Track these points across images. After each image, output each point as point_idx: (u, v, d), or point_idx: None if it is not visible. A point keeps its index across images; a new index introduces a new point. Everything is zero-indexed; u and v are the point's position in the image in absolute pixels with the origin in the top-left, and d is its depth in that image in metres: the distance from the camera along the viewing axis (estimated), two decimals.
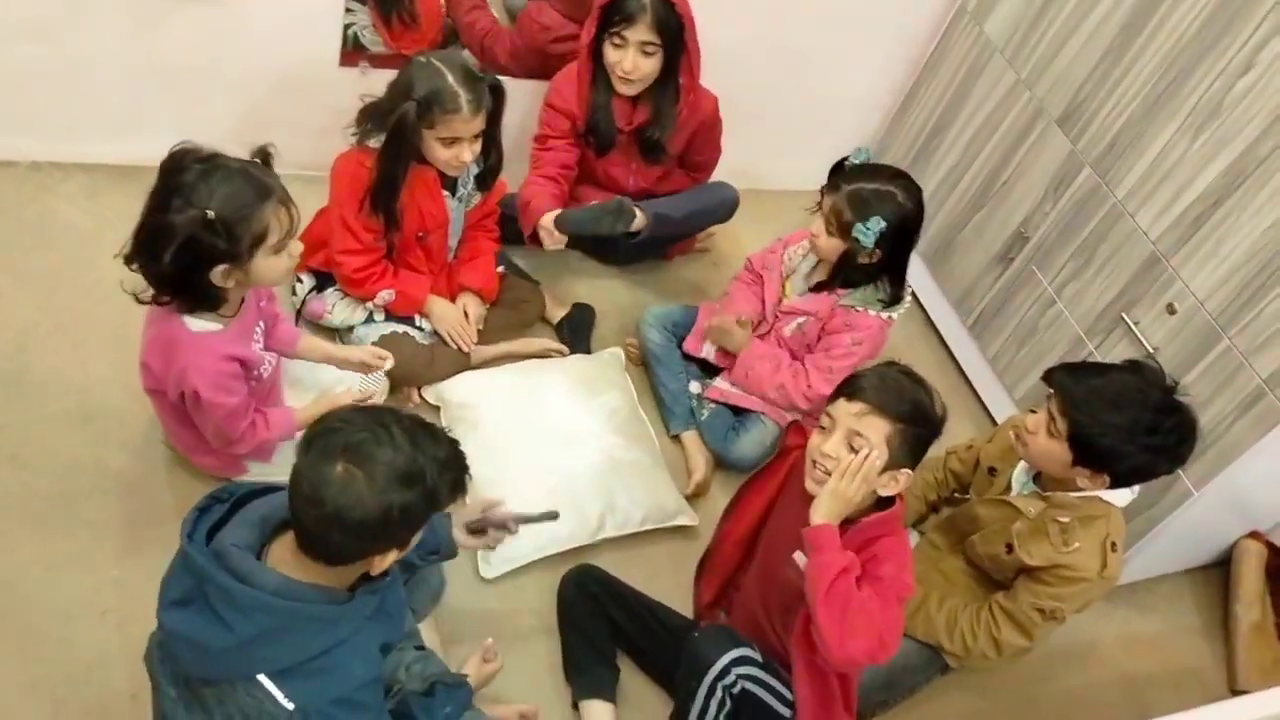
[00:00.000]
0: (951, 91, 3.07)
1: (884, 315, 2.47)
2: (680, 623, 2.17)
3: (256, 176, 1.79)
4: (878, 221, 2.29)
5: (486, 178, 2.48)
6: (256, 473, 2.16)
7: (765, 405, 2.60)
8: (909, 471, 1.82)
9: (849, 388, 1.82)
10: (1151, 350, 2.49)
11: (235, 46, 2.58)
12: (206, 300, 1.86)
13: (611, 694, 2.11)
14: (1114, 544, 2.05)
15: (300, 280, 2.52)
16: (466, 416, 2.46)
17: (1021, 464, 2.14)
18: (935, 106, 3.14)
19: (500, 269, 2.65)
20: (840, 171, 2.37)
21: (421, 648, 1.91)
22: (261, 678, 1.42)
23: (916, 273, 3.27)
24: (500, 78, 2.32)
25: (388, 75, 2.30)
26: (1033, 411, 2.13)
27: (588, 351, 2.76)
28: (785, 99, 3.21)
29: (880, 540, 1.82)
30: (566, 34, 2.72)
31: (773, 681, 1.92)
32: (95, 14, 2.42)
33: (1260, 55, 2.24)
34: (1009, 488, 2.17)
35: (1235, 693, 2.65)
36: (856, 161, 2.37)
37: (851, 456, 1.76)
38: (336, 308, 2.49)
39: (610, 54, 2.53)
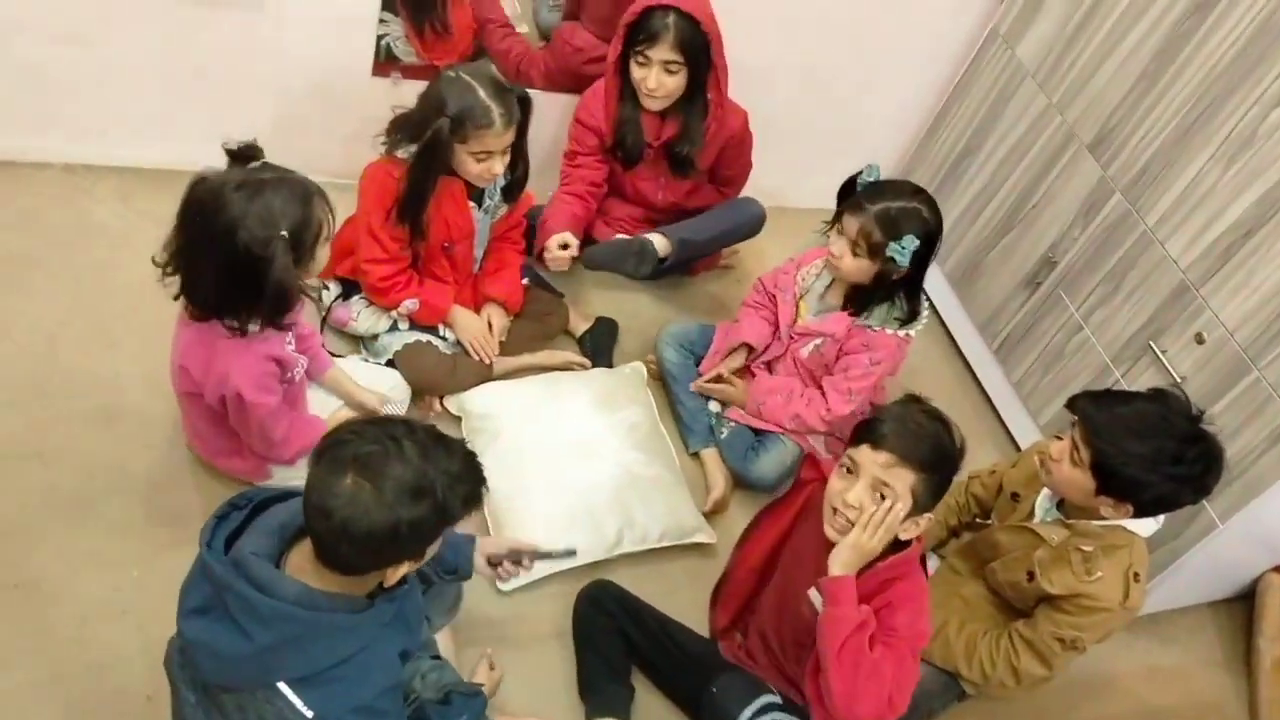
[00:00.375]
0: (982, 114, 3.06)
1: (901, 333, 2.46)
2: (697, 644, 2.15)
3: (292, 179, 1.81)
4: (912, 240, 2.28)
5: (513, 189, 2.49)
6: (280, 477, 2.17)
7: None
8: (930, 516, 1.80)
9: (872, 433, 1.78)
10: (1179, 380, 2.47)
11: (270, 53, 2.61)
12: (286, 311, 1.89)
13: (626, 713, 2.10)
14: (1136, 574, 2.02)
15: (327, 287, 2.53)
16: (487, 427, 2.46)
17: (1045, 491, 2.12)
18: (965, 129, 3.13)
19: (525, 281, 2.66)
20: (854, 191, 2.36)
21: (437, 657, 1.92)
22: (281, 685, 1.42)
23: (941, 295, 3.26)
24: (527, 90, 2.33)
25: (419, 86, 2.31)
26: (1058, 438, 2.11)
27: (609, 365, 2.76)
28: (814, 118, 3.21)
29: (896, 584, 1.80)
30: (599, 55, 2.74)
31: None
32: (132, 18, 2.45)
33: None
34: (1032, 514, 2.15)
35: None
36: (869, 180, 2.35)
37: (875, 508, 1.75)
38: (361, 315, 2.50)
39: (635, 71, 2.54)
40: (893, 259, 2.31)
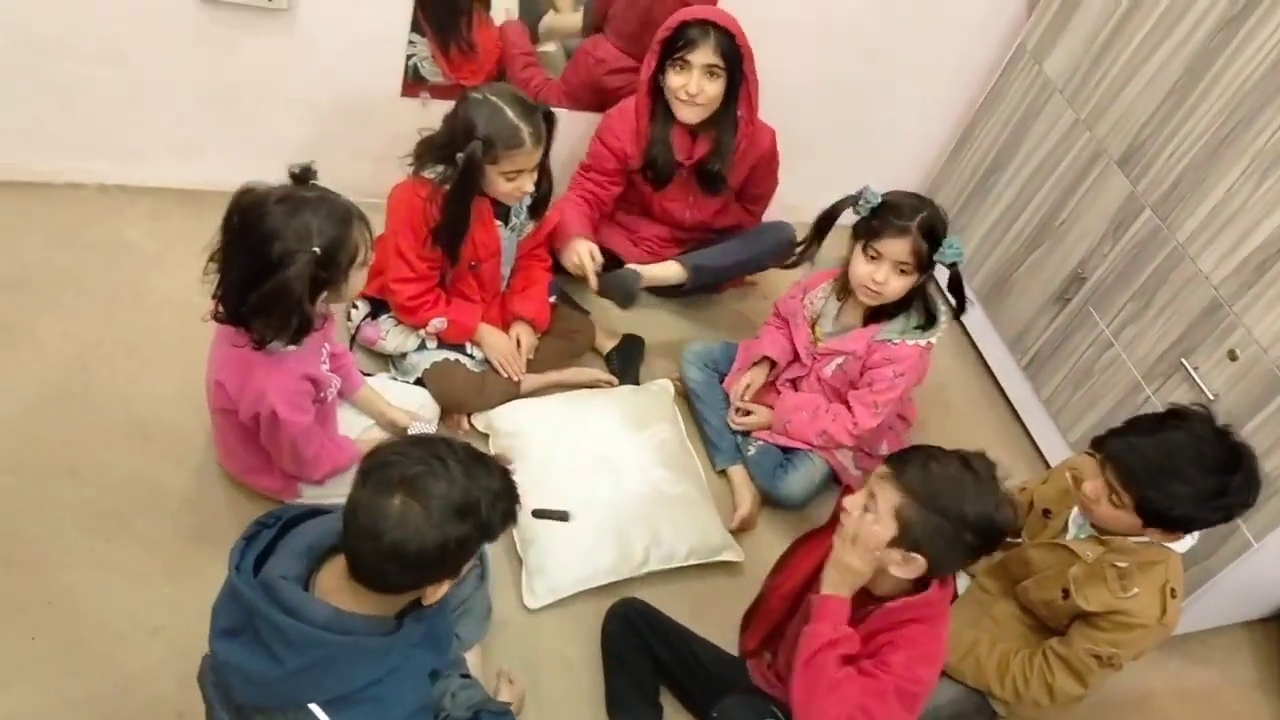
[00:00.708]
0: (1009, 130, 3.05)
1: (923, 342, 2.46)
2: (722, 665, 2.14)
3: (335, 201, 1.83)
4: (955, 236, 2.32)
5: (539, 206, 2.50)
6: (309, 495, 2.18)
7: None
8: (921, 559, 1.71)
9: (896, 455, 1.76)
10: (1211, 397, 2.44)
11: (300, 75, 2.64)
12: (305, 332, 1.89)
13: None
14: (1173, 590, 2.00)
15: (356, 306, 2.55)
16: (515, 445, 2.46)
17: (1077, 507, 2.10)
18: (992, 145, 3.12)
19: (552, 299, 2.67)
20: (873, 219, 2.34)
21: (467, 676, 1.92)
22: (312, 706, 1.43)
23: (970, 311, 3.23)
24: (550, 106, 2.35)
25: (446, 106, 2.33)
26: (1090, 454, 2.11)
27: (636, 383, 2.76)
28: (840, 135, 3.21)
29: (908, 626, 1.76)
30: (621, 67, 2.76)
31: None
32: (165, 41, 2.49)
33: None
34: (1065, 530, 2.13)
35: None
36: (873, 203, 2.34)
37: (860, 518, 1.73)
38: (390, 334, 2.52)
39: (674, 79, 2.54)
40: (954, 263, 2.34)
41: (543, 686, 2.13)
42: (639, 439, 2.53)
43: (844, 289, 2.51)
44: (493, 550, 2.24)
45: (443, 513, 1.39)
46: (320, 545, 1.50)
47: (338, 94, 2.71)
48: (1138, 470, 1.90)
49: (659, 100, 2.61)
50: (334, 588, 1.46)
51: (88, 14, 2.40)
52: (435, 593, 1.48)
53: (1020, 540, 2.25)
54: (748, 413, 2.65)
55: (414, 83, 2.72)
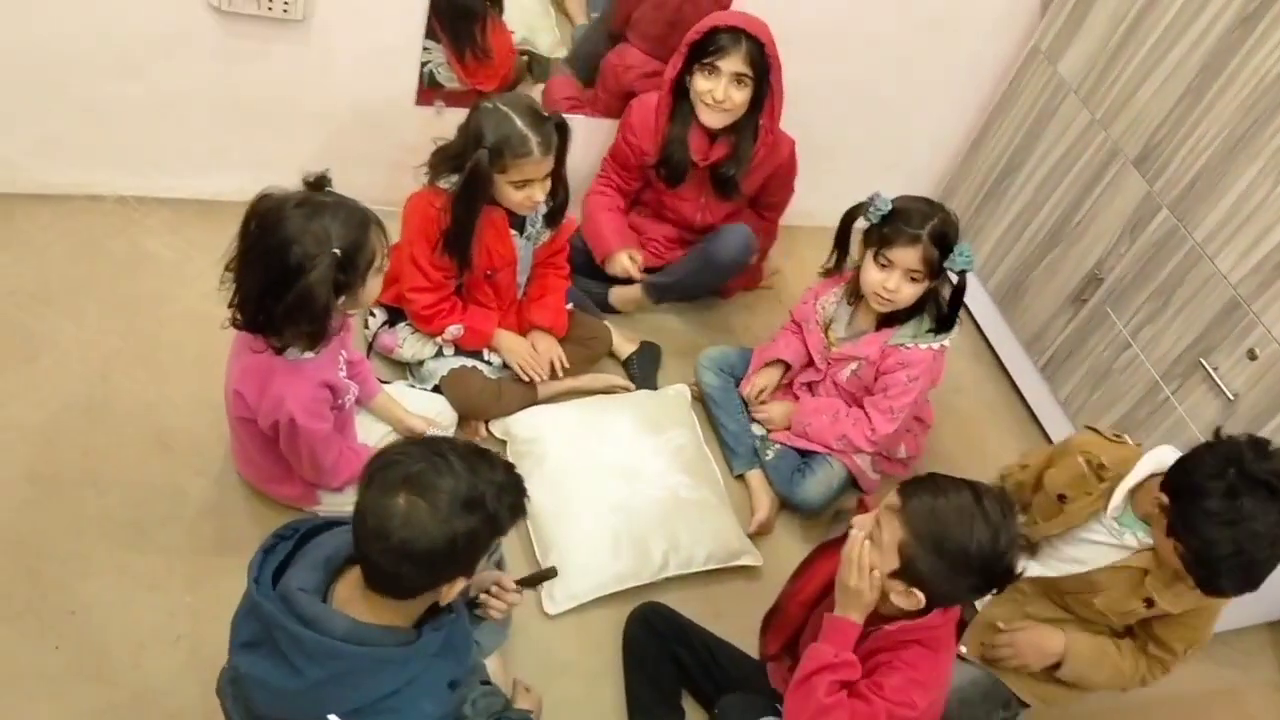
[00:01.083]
0: (1024, 131, 3.04)
1: (936, 345, 2.45)
2: (743, 669, 2.14)
3: (351, 205, 1.84)
4: (967, 244, 2.31)
5: (555, 215, 2.51)
6: (328, 503, 2.20)
7: None
8: (920, 595, 1.70)
9: (908, 484, 1.73)
10: (1231, 397, 2.43)
11: (317, 85, 2.65)
12: (324, 336, 1.90)
13: None
14: None
15: (373, 314, 2.56)
16: (532, 451, 2.47)
17: (1116, 501, 2.01)
18: (1007, 146, 3.11)
19: (570, 306, 2.67)
20: (884, 226, 2.33)
21: (488, 683, 1.92)
22: (332, 718, 1.43)
23: (986, 313, 3.24)
24: (565, 115, 2.35)
25: (461, 114, 2.34)
26: (1090, 428, 2.14)
27: (654, 388, 2.76)
28: (855, 137, 3.21)
29: (908, 648, 1.75)
30: (650, 70, 2.76)
31: None
32: (185, 52, 2.50)
33: None
34: (1091, 517, 2.07)
35: None
36: (884, 210, 2.33)
37: (865, 548, 1.71)
38: (407, 342, 2.52)
39: (701, 83, 2.54)
40: (964, 271, 2.32)
41: (563, 693, 2.13)
42: (656, 444, 2.54)
43: (855, 293, 2.51)
44: (512, 557, 2.25)
45: (449, 508, 1.39)
46: (337, 557, 1.51)
47: (352, 104, 2.72)
48: (1196, 540, 1.81)
49: (681, 100, 2.61)
50: (351, 599, 1.47)
51: (105, 29, 2.42)
52: (450, 591, 1.48)
53: (1026, 516, 2.22)
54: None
55: (430, 89, 2.73)
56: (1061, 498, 2.11)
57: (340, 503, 2.15)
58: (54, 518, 2.15)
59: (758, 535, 2.54)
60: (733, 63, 2.49)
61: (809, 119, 2.91)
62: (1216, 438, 1.87)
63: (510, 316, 2.59)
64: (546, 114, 2.28)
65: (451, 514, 1.39)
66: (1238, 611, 2.60)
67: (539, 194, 2.31)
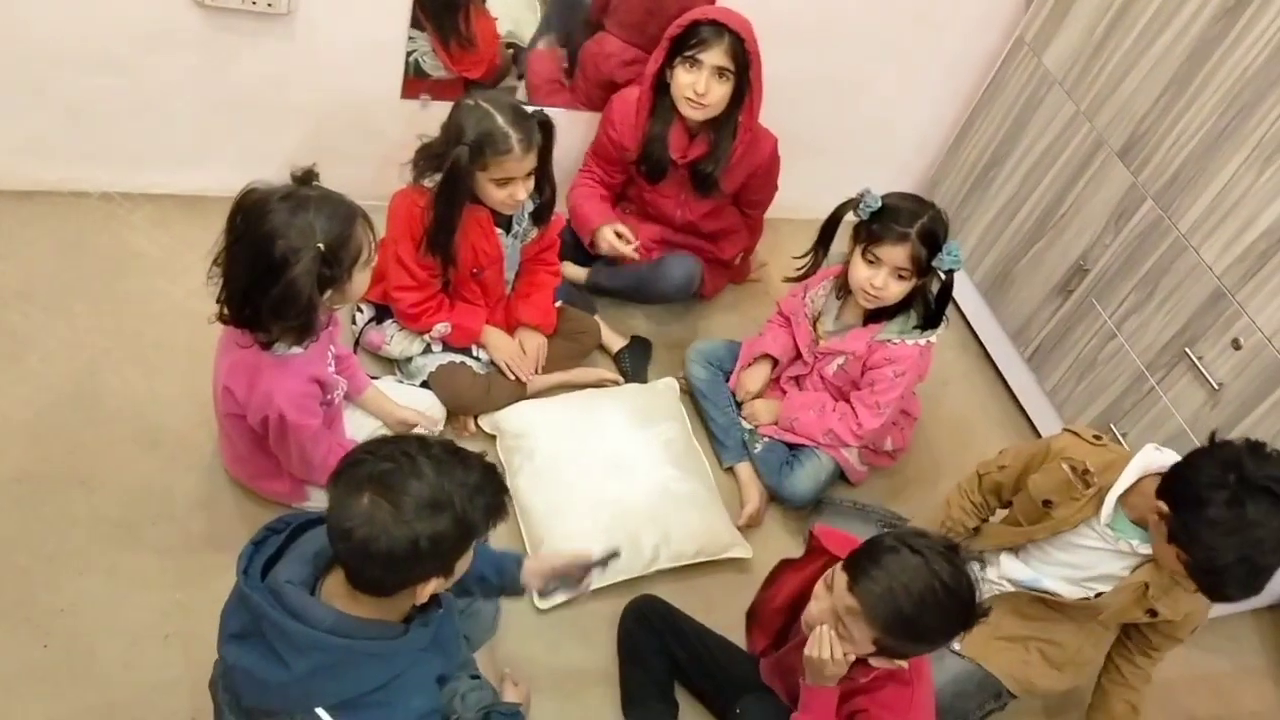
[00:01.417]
0: (1009, 123, 3.05)
1: (923, 341, 2.46)
2: (739, 664, 2.14)
3: (337, 199, 1.84)
4: (956, 242, 2.32)
5: (542, 213, 2.50)
6: (317, 499, 2.19)
7: None
8: (902, 663, 1.71)
9: (858, 569, 1.64)
10: (1216, 386, 2.45)
11: (302, 80, 2.64)
12: (312, 330, 1.89)
13: None
14: None
15: (360, 310, 2.56)
16: (522, 446, 2.47)
17: (1109, 503, 2.02)
18: (992, 138, 3.12)
19: (559, 302, 2.67)
20: (873, 223, 2.34)
21: (476, 677, 1.92)
22: (320, 711, 1.43)
23: (972, 304, 3.25)
24: (548, 111, 2.35)
25: (446, 108, 2.33)
26: (1070, 432, 2.15)
27: (644, 382, 2.77)
28: (840, 130, 3.21)
29: (884, 689, 1.75)
30: (630, 59, 2.76)
31: None
32: (169, 48, 2.49)
33: None
34: (1084, 523, 2.08)
35: None
36: (874, 207, 2.34)
37: (831, 637, 1.69)
38: (395, 339, 2.52)
39: (682, 76, 2.53)
40: (950, 270, 2.33)
41: (554, 686, 2.14)
42: (646, 438, 2.54)
43: (844, 287, 2.51)
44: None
45: (413, 510, 1.37)
46: (326, 552, 1.50)
47: (338, 97, 2.71)
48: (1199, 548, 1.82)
49: (662, 95, 2.61)
50: (339, 593, 1.47)
51: (88, 24, 2.40)
52: (424, 591, 1.47)
53: (1008, 509, 2.23)
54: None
55: (415, 78, 2.72)
56: (1047, 503, 2.12)
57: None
58: (42, 516, 2.14)
59: (747, 527, 2.55)
60: (714, 56, 2.49)
61: (795, 112, 2.92)
62: (1213, 442, 1.86)
63: (498, 313, 2.59)
64: (530, 112, 2.28)
65: (415, 516, 1.37)
66: None
67: (521, 193, 2.30)
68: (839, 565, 1.70)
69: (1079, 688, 2.30)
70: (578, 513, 2.35)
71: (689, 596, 2.31)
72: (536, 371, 2.60)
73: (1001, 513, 2.31)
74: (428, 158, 2.29)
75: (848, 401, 2.56)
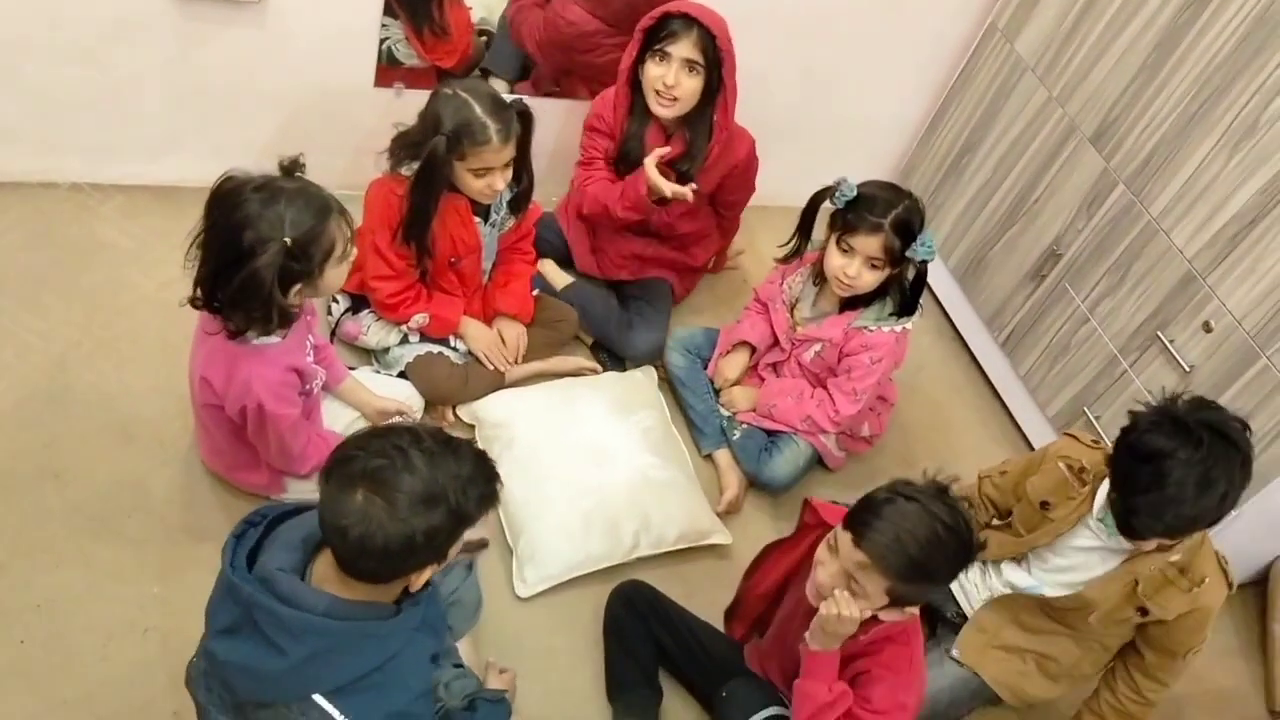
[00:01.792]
0: (982, 109, 3.07)
1: (898, 328, 2.48)
2: (723, 649, 2.15)
3: (314, 193, 1.82)
4: (929, 234, 2.33)
5: (519, 202, 2.49)
6: (295, 490, 2.18)
7: None
8: (915, 611, 1.75)
9: (860, 524, 1.67)
10: (1188, 369, 2.48)
11: (273, 69, 2.62)
12: (283, 321, 1.88)
13: (655, 717, 2.11)
14: (1218, 553, 2.03)
15: (336, 301, 2.54)
16: (501, 435, 2.47)
17: (1101, 493, 2.04)
18: (965, 124, 3.14)
19: (536, 292, 2.66)
20: (848, 212, 2.35)
21: (460, 665, 1.92)
22: (317, 697, 1.43)
23: (947, 290, 3.28)
24: (527, 101, 2.34)
25: (421, 96, 2.32)
26: (1069, 435, 2.16)
27: (622, 370, 2.77)
28: (815, 118, 3.22)
29: (885, 647, 1.77)
30: (590, 30, 2.73)
31: None
32: (138, 37, 2.46)
33: None
34: (1077, 523, 2.09)
35: (1274, 714, 2.63)
36: (849, 196, 2.34)
37: (845, 595, 1.71)
38: (371, 329, 2.51)
39: (652, 70, 2.51)
40: (925, 261, 2.34)
41: (537, 674, 2.14)
42: (625, 426, 2.54)
43: (821, 274, 2.52)
44: None
45: (408, 505, 1.38)
46: (313, 537, 1.50)
47: (310, 86, 2.69)
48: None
49: (637, 95, 2.59)
50: (329, 577, 1.46)
51: (58, 13, 2.37)
52: (419, 579, 1.48)
53: (1009, 521, 2.24)
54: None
55: (389, 67, 2.70)
56: (1045, 505, 2.13)
57: (307, 490, 2.12)
58: (17, 511, 2.12)
59: (727, 514, 2.56)
60: (683, 48, 2.47)
61: (770, 100, 2.92)
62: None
63: (476, 303, 2.58)
64: (508, 102, 2.27)
65: (410, 512, 1.38)
66: None
67: (499, 182, 2.30)
68: (838, 527, 1.73)
69: (1069, 699, 2.32)
70: (557, 501, 2.35)
71: (669, 583, 2.31)
72: (517, 361, 2.59)
73: (997, 521, 2.32)
74: (405, 146, 2.27)
75: (825, 388, 2.57)
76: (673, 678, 2.20)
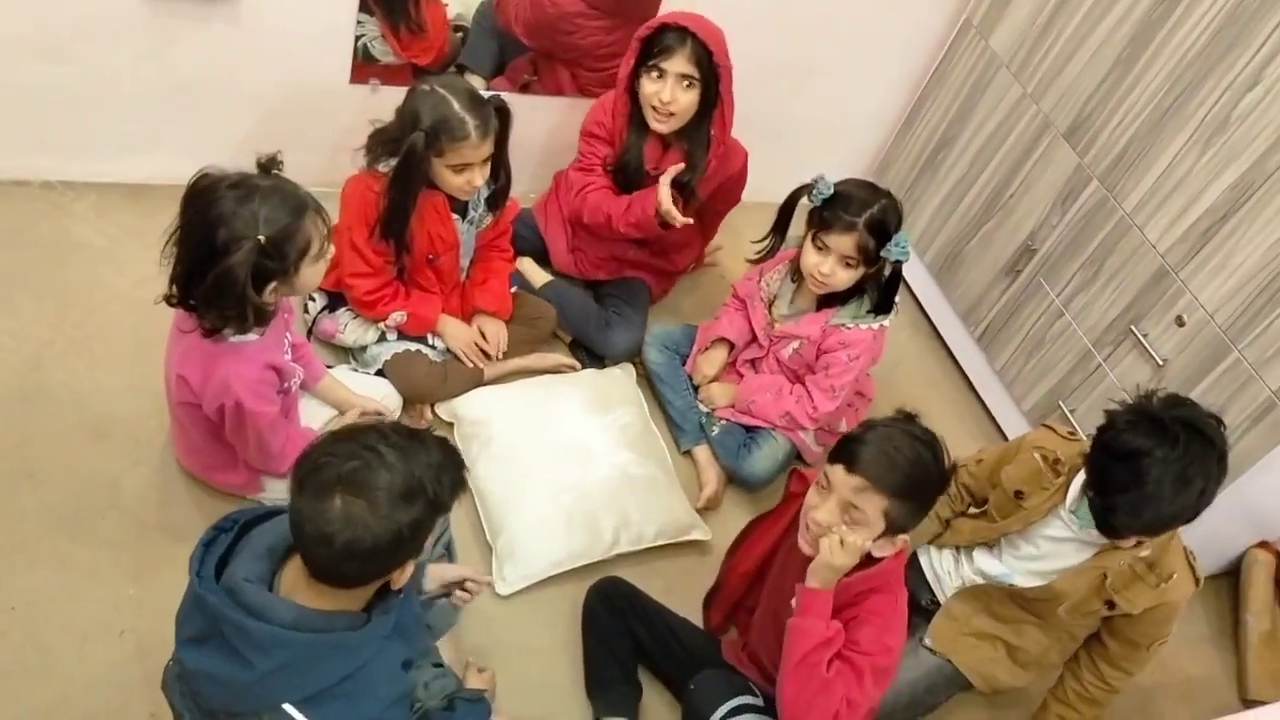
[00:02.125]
0: (957, 105, 3.08)
1: (875, 325, 2.49)
2: (701, 645, 2.16)
3: (289, 191, 1.81)
4: (905, 234, 2.34)
5: (497, 199, 2.48)
6: (273, 490, 2.17)
7: None
8: (906, 538, 1.79)
9: (848, 454, 1.75)
10: (1161, 362, 2.50)
11: (248, 65, 2.60)
12: (259, 319, 1.87)
13: (634, 712, 2.12)
14: (1187, 549, 2.05)
15: (313, 299, 2.53)
16: (480, 433, 2.46)
17: (1072, 493, 2.05)
18: (941, 121, 3.15)
19: (514, 289, 2.66)
20: (824, 209, 2.36)
21: (440, 665, 1.92)
22: (287, 706, 1.42)
23: (923, 285, 3.29)
24: (504, 96, 2.33)
25: (397, 93, 2.31)
26: (1047, 427, 2.17)
27: (600, 367, 2.76)
28: (792, 114, 3.22)
29: (869, 597, 1.80)
30: (575, 11, 2.72)
31: None
32: (109, 33, 2.44)
33: (1268, 70, 2.26)
34: (1048, 512, 2.11)
35: (1246, 703, 2.66)
36: (826, 194, 2.35)
37: (844, 529, 1.75)
38: (349, 327, 2.50)
39: (647, 86, 2.50)
40: (899, 261, 2.35)
41: (516, 672, 2.14)
42: (604, 423, 2.54)
43: (799, 271, 2.53)
44: (462, 539, 2.25)
45: (389, 503, 1.37)
46: (280, 546, 1.48)
47: (285, 83, 2.67)
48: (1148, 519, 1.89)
49: (636, 106, 2.57)
50: (298, 586, 1.45)
51: (29, 9, 2.34)
52: (401, 576, 1.48)
53: (985, 509, 2.26)
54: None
55: (364, 63, 2.69)
56: (1019, 494, 2.15)
57: (285, 489, 2.12)
58: None
59: (706, 510, 2.57)
60: (677, 64, 2.45)
61: (747, 96, 2.90)
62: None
63: (454, 300, 2.57)
64: (486, 98, 2.26)
65: (393, 509, 1.37)
66: None
67: (478, 179, 2.29)
68: (825, 467, 1.79)
69: (1038, 686, 2.34)
70: (537, 498, 2.35)
71: (649, 579, 2.32)
72: (497, 358, 2.58)
73: (973, 510, 2.34)
74: (382, 143, 2.26)
75: (803, 384, 2.58)
76: (651, 673, 2.20)
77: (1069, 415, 2.74)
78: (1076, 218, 2.73)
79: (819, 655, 1.75)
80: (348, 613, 1.47)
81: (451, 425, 2.52)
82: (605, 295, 2.85)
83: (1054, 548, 2.10)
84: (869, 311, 2.48)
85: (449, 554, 2.09)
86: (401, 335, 2.50)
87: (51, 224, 2.63)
